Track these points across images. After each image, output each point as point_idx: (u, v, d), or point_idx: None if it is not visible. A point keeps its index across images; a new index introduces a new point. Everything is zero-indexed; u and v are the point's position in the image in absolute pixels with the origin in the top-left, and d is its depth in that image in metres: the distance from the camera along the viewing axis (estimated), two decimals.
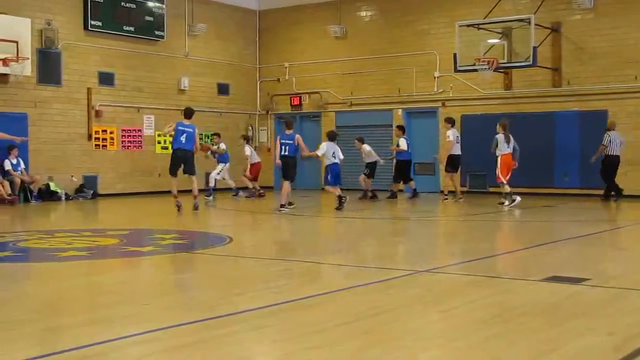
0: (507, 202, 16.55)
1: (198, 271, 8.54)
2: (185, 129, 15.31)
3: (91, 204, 19.13)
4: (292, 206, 16.20)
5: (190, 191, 15.66)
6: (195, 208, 15.43)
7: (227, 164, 19.72)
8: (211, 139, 20.15)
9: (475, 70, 19.24)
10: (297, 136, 16.20)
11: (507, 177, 16.74)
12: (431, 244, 11.70)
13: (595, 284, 7.07)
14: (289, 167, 16.06)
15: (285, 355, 4.79)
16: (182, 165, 15.35)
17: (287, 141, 15.99)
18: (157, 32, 21.97)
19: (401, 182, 19.72)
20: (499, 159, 16.74)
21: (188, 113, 15.69)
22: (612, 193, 18.20)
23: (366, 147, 19.32)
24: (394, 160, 19.86)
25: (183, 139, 15.18)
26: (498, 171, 16.75)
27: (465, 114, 21.20)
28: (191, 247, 10.86)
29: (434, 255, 10.03)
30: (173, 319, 5.65)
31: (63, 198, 19.27)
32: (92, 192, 20.13)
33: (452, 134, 18.41)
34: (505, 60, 19.11)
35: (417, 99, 22.49)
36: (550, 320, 5.68)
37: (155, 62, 22.17)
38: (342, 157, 16.57)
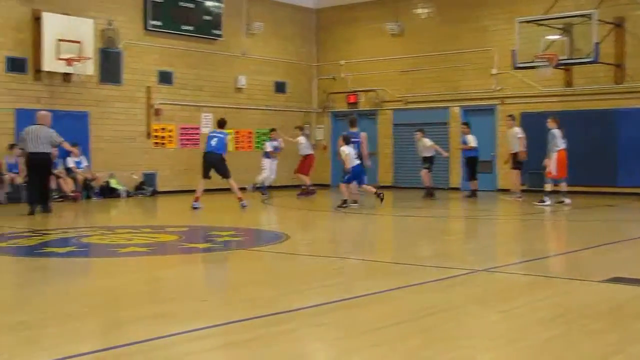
0: (548, 201, 16.26)
1: (255, 268, 8.58)
2: (216, 134, 15.85)
3: (150, 200, 19.42)
4: (353, 204, 16.17)
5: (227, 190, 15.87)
6: (243, 207, 15.57)
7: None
8: (269, 136, 20.00)
9: (535, 67, 18.95)
10: (363, 134, 16.56)
11: (563, 174, 16.48)
12: (489, 243, 11.57)
13: None
14: None
15: (344, 353, 4.79)
16: (214, 169, 15.70)
17: (354, 139, 16.32)
18: (214, 31, 22.17)
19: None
20: (554, 155, 16.44)
21: (221, 123, 16.25)
22: None
23: (427, 141, 19.22)
24: (463, 159, 19.71)
25: (213, 142, 15.65)
26: (552, 167, 16.45)
27: (524, 112, 20.88)
28: (248, 244, 10.95)
29: (492, 255, 9.91)
30: (231, 315, 5.70)
31: (123, 195, 19.61)
32: (151, 189, 20.45)
33: (521, 131, 18.05)
34: (565, 57, 18.78)
35: (474, 97, 22.26)
36: (613, 322, 5.56)
37: (213, 61, 22.38)
38: None
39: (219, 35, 22.28)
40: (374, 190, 16.16)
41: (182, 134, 21.55)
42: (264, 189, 18.96)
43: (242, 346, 4.90)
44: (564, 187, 16.76)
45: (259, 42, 23.63)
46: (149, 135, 20.80)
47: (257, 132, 23.48)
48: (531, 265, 8.51)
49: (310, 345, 5.02)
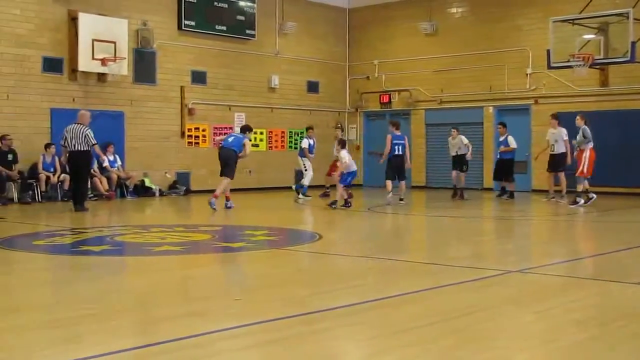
0: (582, 201, 15.99)
1: (288, 267, 8.61)
2: (236, 135, 16.21)
3: (184, 200, 19.55)
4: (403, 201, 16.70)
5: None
6: (210, 205, 15.29)
7: None
8: (306, 133, 19.87)
9: (570, 66, 18.74)
10: (405, 137, 17.29)
11: (591, 172, 16.22)
12: (523, 244, 11.46)
13: None
14: (400, 166, 16.91)
15: (377, 353, 4.79)
16: (223, 164, 15.58)
17: (400, 141, 16.89)
18: (248, 31, 22.26)
19: (501, 180, 19.32)
20: (586, 153, 16.16)
21: (243, 129, 16.58)
22: None
23: (464, 138, 19.07)
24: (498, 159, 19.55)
25: (231, 139, 15.87)
26: (585, 166, 16.12)
27: (559, 112, 20.59)
28: (281, 243, 10.97)
29: (526, 256, 9.82)
30: (264, 315, 5.72)
31: (157, 194, 19.77)
32: (184, 188, 20.58)
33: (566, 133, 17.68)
34: (601, 56, 18.55)
35: (508, 97, 22.09)
36: None
37: (246, 61, 22.47)
38: None
39: (252, 35, 22.36)
40: (345, 196, 15.97)
41: (215, 133, 21.65)
42: (305, 190, 18.81)
43: (275, 345, 4.92)
44: (586, 184, 16.47)
45: (291, 42, 23.67)
46: (182, 134, 20.95)
47: (290, 132, 23.55)
48: (565, 266, 8.43)
49: (342, 345, 5.02)
